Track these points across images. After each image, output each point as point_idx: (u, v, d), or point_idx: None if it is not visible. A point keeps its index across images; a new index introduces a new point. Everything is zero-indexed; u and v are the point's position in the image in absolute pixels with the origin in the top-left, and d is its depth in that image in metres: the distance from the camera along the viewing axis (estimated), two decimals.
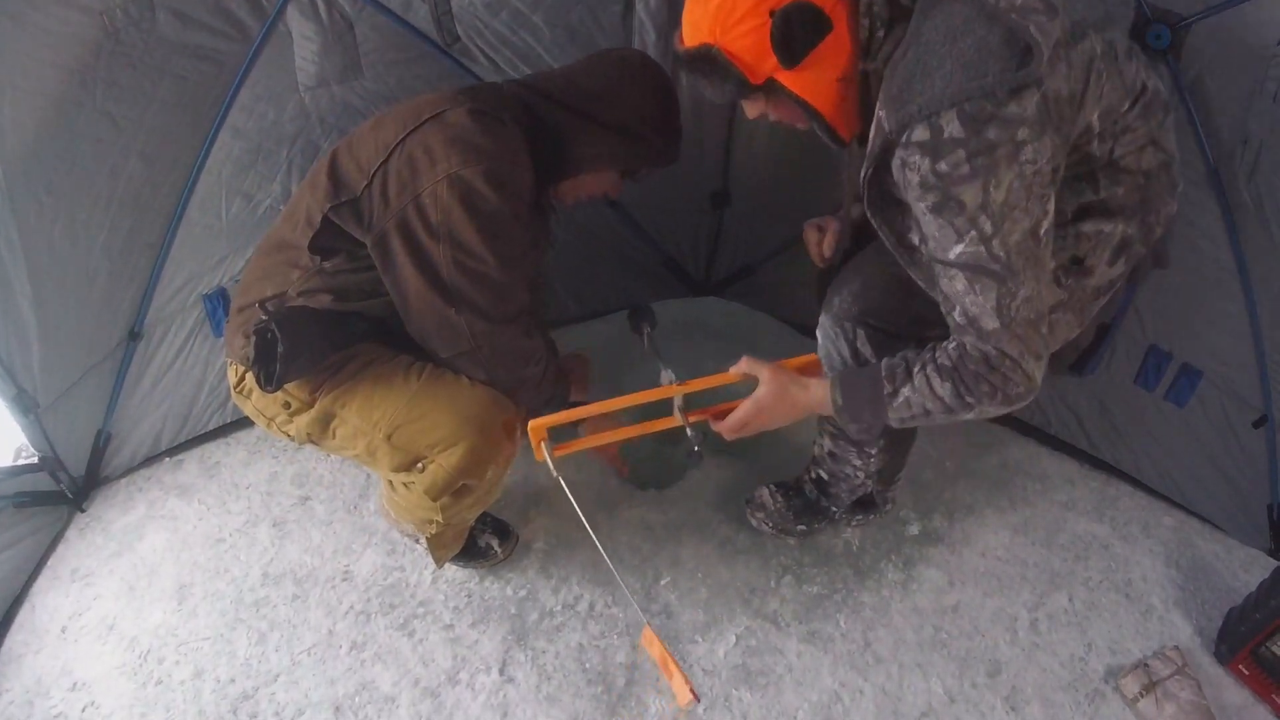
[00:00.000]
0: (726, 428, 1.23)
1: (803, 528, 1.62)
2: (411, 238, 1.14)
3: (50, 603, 1.57)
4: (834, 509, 1.60)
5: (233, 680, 1.42)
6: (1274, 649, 1.44)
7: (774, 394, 1.18)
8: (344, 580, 1.57)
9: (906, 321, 1.24)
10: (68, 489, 1.68)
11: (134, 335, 1.63)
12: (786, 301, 2.14)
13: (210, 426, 1.81)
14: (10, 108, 1.27)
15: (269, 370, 1.12)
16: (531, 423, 1.24)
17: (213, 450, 1.81)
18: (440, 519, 1.33)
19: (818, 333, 1.38)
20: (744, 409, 1.20)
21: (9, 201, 1.33)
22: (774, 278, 2.14)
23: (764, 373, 1.19)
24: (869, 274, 1.31)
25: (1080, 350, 1.31)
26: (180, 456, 1.80)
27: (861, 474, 1.51)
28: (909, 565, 1.66)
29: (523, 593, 1.54)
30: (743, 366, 1.23)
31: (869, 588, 1.61)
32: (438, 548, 1.42)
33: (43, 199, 1.38)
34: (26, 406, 1.54)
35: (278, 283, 1.23)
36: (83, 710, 1.40)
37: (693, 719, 1.38)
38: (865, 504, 1.64)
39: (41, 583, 1.61)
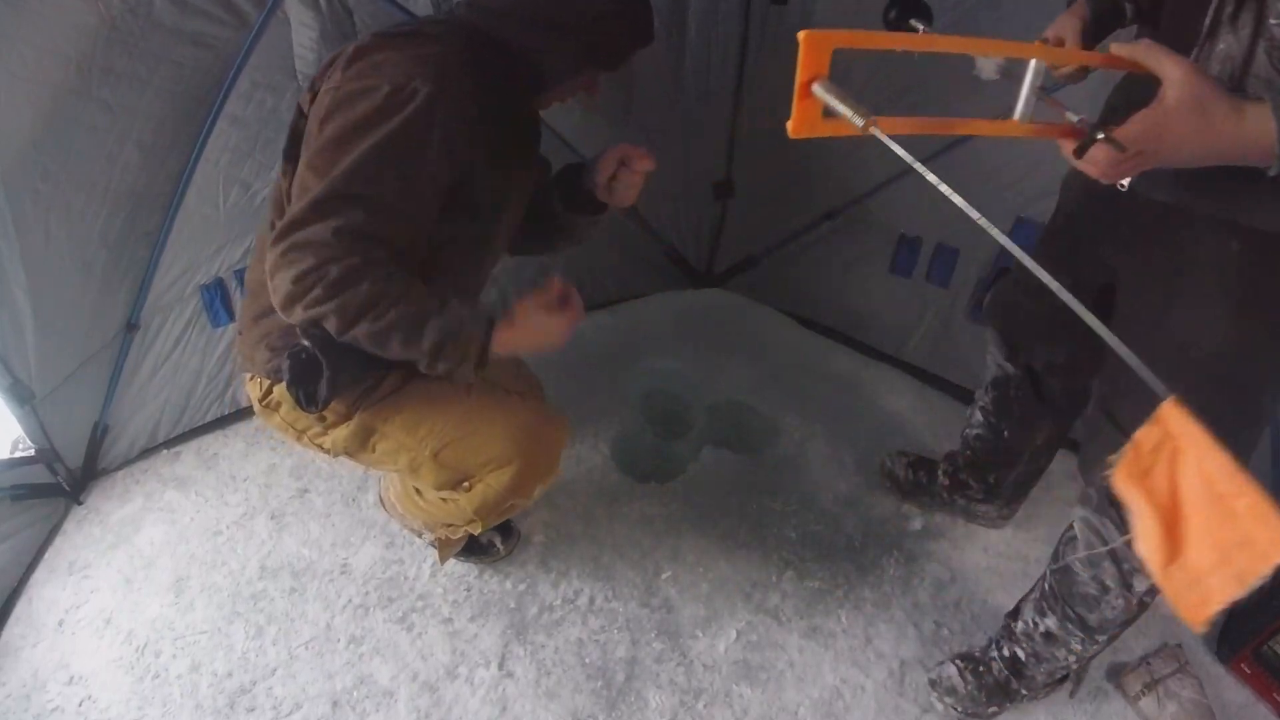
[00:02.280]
0: (1126, 136, 0.73)
1: (994, 709, 1.39)
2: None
3: (47, 595, 1.56)
4: (1024, 692, 1.36)
5: (230, 674, 1.41)
6: (1276, 648, 1.43)
7: (1190, 102, 0.70)
8: (342, 573, 1.56)
9: None
10: (64, 481, 1.67)
11: (131, 326, 1.61)
12: (790, 294, 2.13)
13: (208, 418, 1.79)
14: (5, 95, 1.24)
15: (309, 392, 1.06)
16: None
17: (210, 442, 1.80)
18: (480, 529, 1.32)
19: (1075, 521, 1.17)
20: (1144, 117, 0.73)
21: (4, 190, 1.31)
22: (778, 270, 2.13)
23: (1171, 69, 0.70)
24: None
25: None
26: (178, 448, 1.79)
27: (1075, 660, 1.28)
28: (910, 561, 1.65)
29: (522, 586, 1.53)
30: (1138, 52, 0.73)
31: (870, 583, 1.60)
32: (445, 548, 1.41)
33: (39, 187, 1.36)
34: (22, 397, 1.52)
35: None
36: (80, 704, 1.38)
37: (693, 715, 1.37)
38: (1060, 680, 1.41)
39: (39, 575, 1.59)
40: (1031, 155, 1.65)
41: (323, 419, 1.19)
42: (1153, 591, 1.12)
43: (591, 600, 1.51)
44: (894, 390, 2.00)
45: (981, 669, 1.38)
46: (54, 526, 1.67)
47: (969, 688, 1.37)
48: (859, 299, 2.02)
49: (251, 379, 1.24)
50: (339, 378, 1.06)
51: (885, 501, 1.75)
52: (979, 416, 1.52)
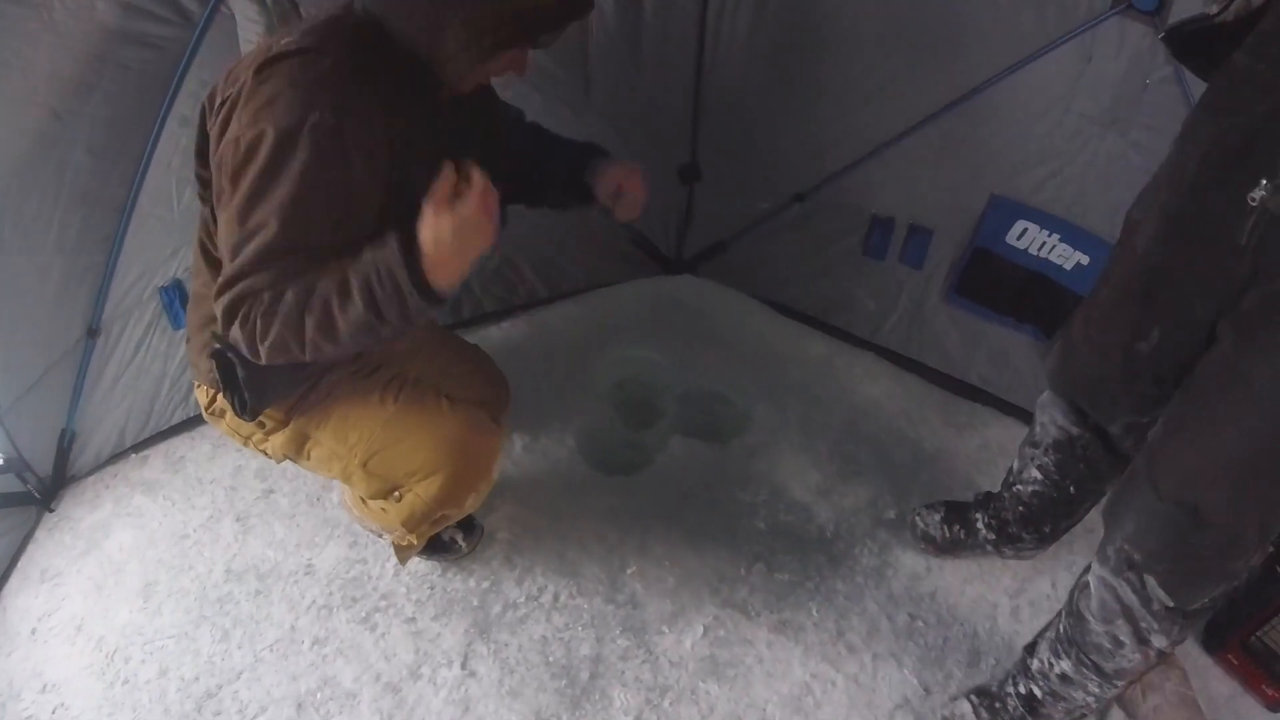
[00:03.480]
0: None
1: None
2: None
3: (21, 604, 1.56)
4: None
5: (196, 678, 1.41)
6: (1264, 640, 1.39)
7: None
8: (306, 574, 1.55)
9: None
10: (34, 489, 1.67)
11: (92, 332, 1.60)
12: (763, 279, 2.09)
13: (174, 421, 1.79)
14: None
15: (239, 398, 1.06)
16: None
17: (177, 445, 1.80)
18: (415, 542, 1.31)
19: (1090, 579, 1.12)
20: None
21: None
22: (749, 254, 2.09)
23: None
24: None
25: None
26: (146, 452, 1.78)
27: (1094, 701, 1.22)
28: (884, 551, 1.62)
29: (486, 584, 1.51)
30: None
31: (843, 575, 1.57)
32: (402, 551, 1.39)
33: None
34: None
35: None
36: (53, 712, 1.39)
37: (658, 713, 1.35)
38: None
39: (12, 584, 1.60)
40: (1007, 130, 1.60)
41: (262, 425, 1.18)
42: (1172, 646, 1.08)
43: (556, 597, 1.49)
44: (869, 375, 1.96)
45: (997, 705, 1.31)
46: (27, 534, 1.67)
47: None
48: (832, 283, 1.98)
49: (199, 386, 1.23)
50: (264, 382, 1.05)
51: (858, 490, 1.72)
52: (1036, 474, 1.37)
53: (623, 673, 1.39)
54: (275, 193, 0.89)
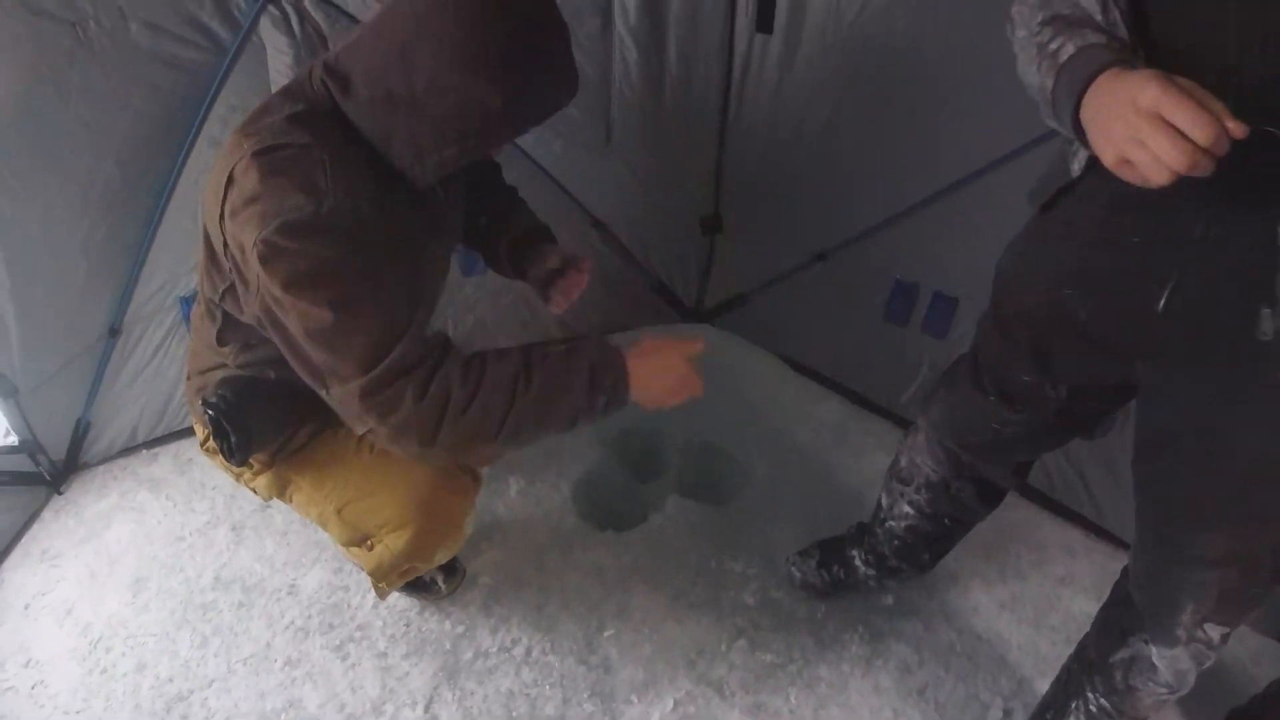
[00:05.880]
0: None
1: None
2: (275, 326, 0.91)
3: (18, 579, 1.62)
4: None
5: (170, 679, 1.44)
6: None
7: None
8: (289, 594, 1.56)
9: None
10: (46, 471, 1.73)
11: (113, 331, 1.65)
12: (782, 335, 2.02)
13: (185, 424, 1.83)
14: None
15: (227, 444, 1.08)
16: None
17: (187, 446, 1.84)
18: (385, 589, 1.32)
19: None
20: None
21: None
22: (769, 308, 2.02)
23: None
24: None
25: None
26: (156, 450, 1.83)
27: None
28: (876, 639, 1.54)
29: (460, 629, 1.49)
30: None
31: (829, 660, 1.50)
32: (380, 590, 1.39)
33: (11, 184, 1.38)
34: (6, 391, 1.59)
35: (216, 355, 1.12)
36: (32, 688, 1.44)
37: None
38: None
39: (13, 559, 1.67)
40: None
41: (250, 466, 1.19)
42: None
43: (529, 651, 1.46)
44: (882, 445, 1.87)
45: None
46: (33, 513, 1.74)
47: None
48: (851, 345, 1.90)
49: (196, 420, 1.25)
50: (250, 435, 1.06)
51: None
52: (907, 509, 1.36)
53: None
54: (327, 293, 0.85)
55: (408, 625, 1.50)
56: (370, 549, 1.21)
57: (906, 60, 1.47)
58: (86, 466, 1.81)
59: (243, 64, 1.42)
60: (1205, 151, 0.57)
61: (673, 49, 1.66)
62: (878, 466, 1.83)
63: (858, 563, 1.52)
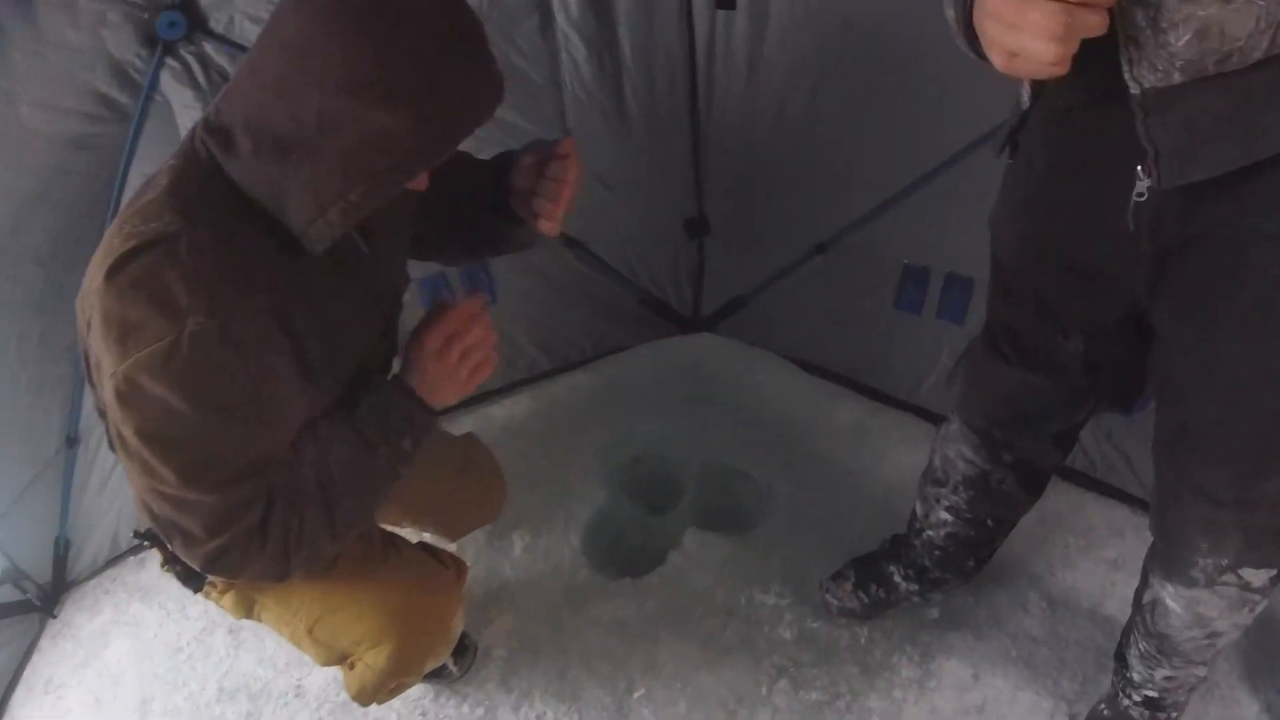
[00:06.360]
0: None
1: None
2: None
3: (25, 716, 1.54)
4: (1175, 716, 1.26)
5: None
6: None
7: None
8: (296, 696, 1.47)
9: None
10: (35, 598, 1.64)
11: (70, 441, 1.54)
12: (787, 336, 1.89)
13: None
14: None
15: (179, 569, 1.03)
16: None
17: None
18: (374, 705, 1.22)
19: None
20: None
21: None
22: (771, 309, 1.89)
23: None
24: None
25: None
26: (143, 555, 1.74)
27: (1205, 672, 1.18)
28: (926, 658, 1.43)
29: (480, 710, 1.39)
30: None
31: (879, 689, 1.39)
32: (370, 703, 1.29)
33: None
34: None
35: None
36: None
37: None
38: None
39: (19, 695, 1.58)
40: None
41: (214, 584, 1.08)
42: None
43: None
44: (906, 440, 1.74)
45: None
46: (31, 643, 1.65)
47: None
48: (863, 339, 1.76)
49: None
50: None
51: None
52: (946, 515, 1.29)
53: None
54: (184, 452, 0.79)
55: (424, 714, 1.40)
56: (352, 668, 1.10)
57: (888, 27, 1.34)
58: (76, 584, 1.71)
59: (150, 129, 1.29)
60: (1079, 5, 0.55)
61: (625, 39, 1.51)
62: (903, 465, 1.72)
63: (897, 579, 1.42)
